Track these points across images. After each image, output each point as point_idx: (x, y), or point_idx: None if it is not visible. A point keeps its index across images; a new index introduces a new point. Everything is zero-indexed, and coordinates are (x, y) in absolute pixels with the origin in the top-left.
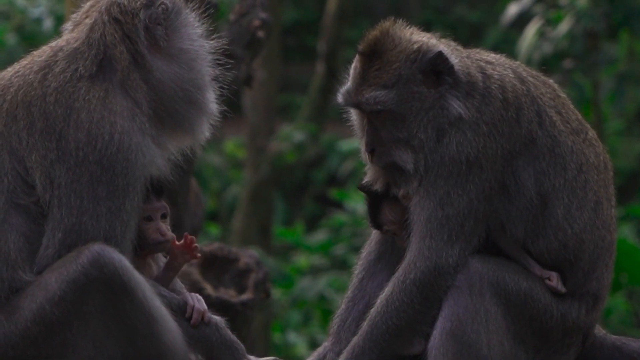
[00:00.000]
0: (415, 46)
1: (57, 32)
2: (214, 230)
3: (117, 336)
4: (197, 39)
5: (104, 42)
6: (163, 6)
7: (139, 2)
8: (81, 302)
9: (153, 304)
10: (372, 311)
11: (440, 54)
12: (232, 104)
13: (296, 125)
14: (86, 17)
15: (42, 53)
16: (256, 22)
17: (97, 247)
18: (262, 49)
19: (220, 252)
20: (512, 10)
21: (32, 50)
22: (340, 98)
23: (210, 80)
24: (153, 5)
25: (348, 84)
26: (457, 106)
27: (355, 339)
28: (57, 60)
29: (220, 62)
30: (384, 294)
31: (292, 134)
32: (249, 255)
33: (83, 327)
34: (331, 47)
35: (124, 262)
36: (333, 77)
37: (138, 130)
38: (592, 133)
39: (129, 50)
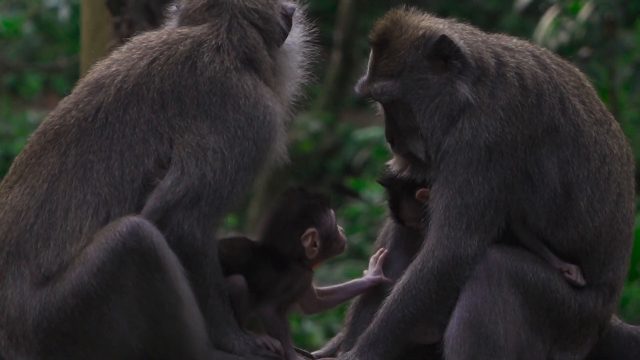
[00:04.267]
0: (420, 32)
1: (73, 22)
2: (230, 219)
3: (146, 313)
4: (302, 37)
5: (246, 44)
6: (291, 11)
7: (275, 9)
8: (119, 272)
9: (182, 285)
10: (389, 299)
11: (443, 38)
12: None
13: (312, 114)
14: (208, 15)
15: (177, 42)
16: None
17: (136, 219)
18: None
19: None
20: None
21: (48, 40)
22: (356, 89)
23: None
24: (288, 14)
25: (364, 75)
26: (464, 91)
27: (370, 327)
28: (202, 52)
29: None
30: (400, 282)
31: (308, 123)
32: None
33: (119, 301)
34: (347, 35)
35: (160, 237)
36: (349, 66)
37: (280, 114)
38: (615, 124)
39: (270, 54)
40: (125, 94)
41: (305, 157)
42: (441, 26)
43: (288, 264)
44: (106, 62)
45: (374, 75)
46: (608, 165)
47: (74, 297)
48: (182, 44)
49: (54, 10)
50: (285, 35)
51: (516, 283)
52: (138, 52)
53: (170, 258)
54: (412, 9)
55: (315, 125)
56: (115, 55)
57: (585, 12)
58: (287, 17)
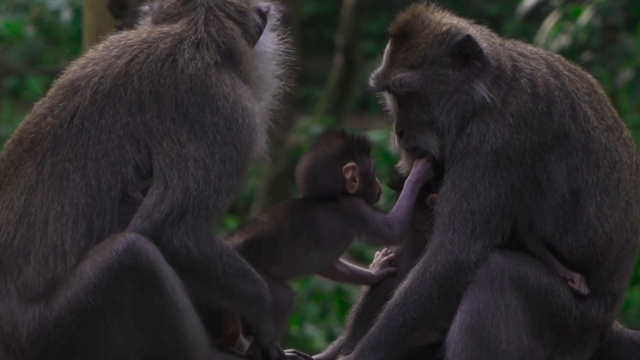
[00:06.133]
0: (444, 28)
1: (75, 25)
2: (231, 222)
3: (144, 327)
4: (278, 39)
5: (225, 35)
6: (266, 9)
7: (249, 4)
8: (115, 290)
9: (180, 298)
10: (390, 303)
11: (468, 37)
12: None
13: (314, 118)
14: (183, 10)
15: (157, 40)
16: None
17: (132, 236)
18: None
19: None
20: (529, 1)
21: (50, 43)
22: (371, 82)
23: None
24: (263, 11)
25: (379, 67)
26: (482, 90)
27: (371, 330)
28: (183, 49)
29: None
30: (402, 286)
31: (310, 127)
32: None
33: (116, 317)
34: (349, 40)
35: (157, 253)
36: (351, 70)
37: (258, 114)
38: (627, 132)
39: (249, 45)
40: (102, 97)
41: None
42: (464, 25)
43: (338, 202)
44: (81, 61)
45: (392, 67)
46: (617, 173)
47: (71, 314)
48: (163, 41)
49: (56, 13)
50: (261, 31)
51: (518, 288)
52: (116, 50)
53: (167, 272)
54: (431, 4)
55: (317, 128)
56: (91, 53)
57: (585, 16)
58: (262, 14)
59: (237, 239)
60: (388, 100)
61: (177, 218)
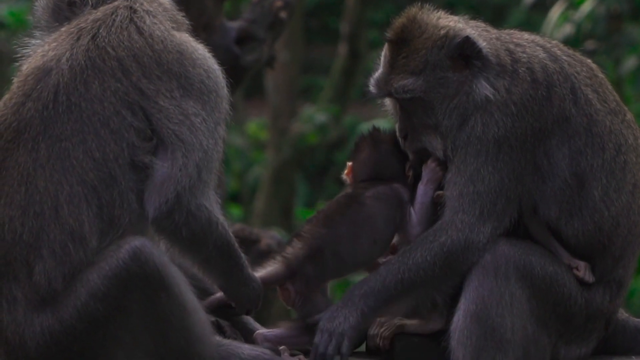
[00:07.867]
0: (442, 32)
1: None
2: (236, 211)
3: (152, 329)
4: None
5: (165, 8)
6: None
7: None
8: (123, 297)
9: (187, 297)
10: (393, 258)
11: (467, 39)
12: (254, 86)
13: (318, 106)
14: None
15: (109, 15)
16: (278, 3)
17: (137, 242)
18: (284, 30)
19: (242, 233)
20: None
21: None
22: (372, 88)
23: None
24: None
25: (378, 73)
26: (484, 88)
27: (367, 277)
28: (141, 16)
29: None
30: (408, 247)
31: (314, 116)
32: (270, 236)
33: (124, 321)
34: (354, 28)
35: (162, 257)
36: (356, 59)
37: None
38: (630, 115)
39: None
40: (81, 70)
41: (311, 149)
42: (461, 25)
43: (384, 187)
44: (38, 52)
45: (393, 73)
46: (624, 155)
47: (81, 322)
48: (116, 15)
49: None
50: None
51: (524, 276)
52: (70, 36)
53: (174, 274)
54: (426, 5)
55: (321, 117)
56: (43, 47)
57: (588, 4)
58: None
59: (296, 250)
60: (389, 103)
61: (196, 177)
